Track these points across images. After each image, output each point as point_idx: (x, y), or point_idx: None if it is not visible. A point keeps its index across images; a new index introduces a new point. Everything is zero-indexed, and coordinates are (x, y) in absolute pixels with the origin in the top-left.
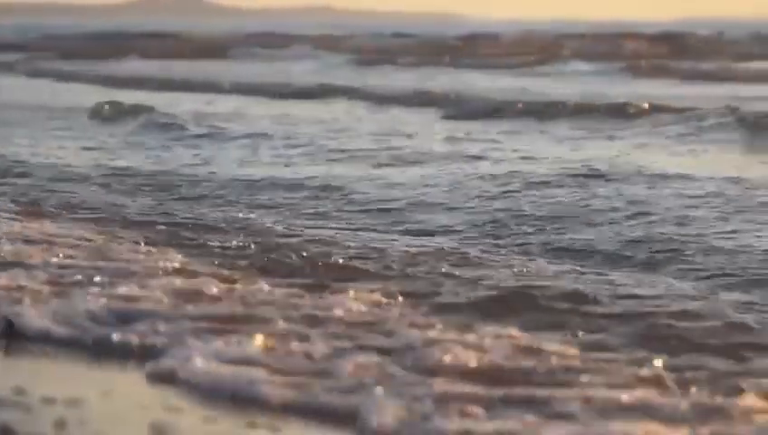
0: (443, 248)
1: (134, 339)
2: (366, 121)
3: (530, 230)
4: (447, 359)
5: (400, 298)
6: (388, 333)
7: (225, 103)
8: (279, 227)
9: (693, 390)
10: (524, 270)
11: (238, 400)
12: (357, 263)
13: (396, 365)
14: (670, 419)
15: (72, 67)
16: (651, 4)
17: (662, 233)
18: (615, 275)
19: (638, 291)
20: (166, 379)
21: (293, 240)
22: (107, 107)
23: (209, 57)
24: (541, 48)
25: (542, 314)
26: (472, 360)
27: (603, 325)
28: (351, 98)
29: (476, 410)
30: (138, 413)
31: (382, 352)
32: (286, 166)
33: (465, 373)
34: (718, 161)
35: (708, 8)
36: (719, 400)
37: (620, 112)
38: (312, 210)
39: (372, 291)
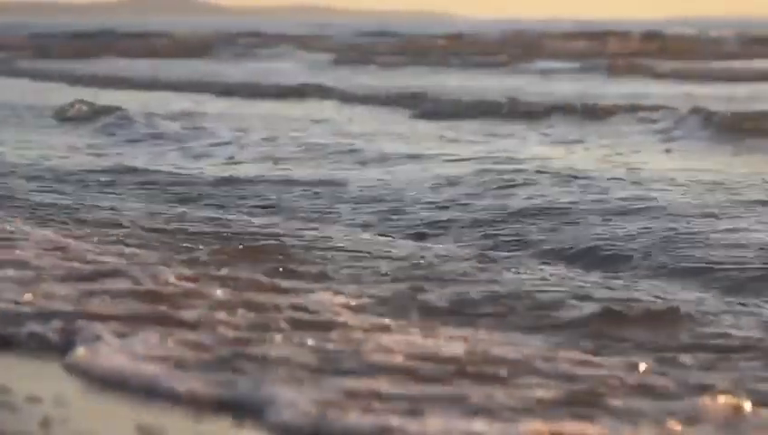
0: (429, 248)
1: (52, 335)
2: (336, 121)
3: (515, 231)
4: (377, 358)
5: (367, 299)
6: (330, 334)
7: (194, 103)
8: (262, 228)
9: (637, 391)
10: (509, 272)
11: (152, 394)
12: (335, 264)
13: (323, 363)
14: (598, 418)
15: (49, 66)
16: (653, 4)
17: (642, 232)
18: (600, 276)
19: (615, 292)
20: (78, 372)
21: (276, 241)
22: (76, 106)
23: (189, 56)
24: (521, 47)
25: (519, 318)
26: (403, 359)
27: (574, 326)
28: (324, 97)
29: (391, 406)
30: (123, 412)
31: (315, 351)
32: (275, 163)
33: (391, 371)
34: (688, 160)
35: (711, 7)
36: (661, 402)
37: (592, 112)
38: (297, 210)
39: (338, 293)
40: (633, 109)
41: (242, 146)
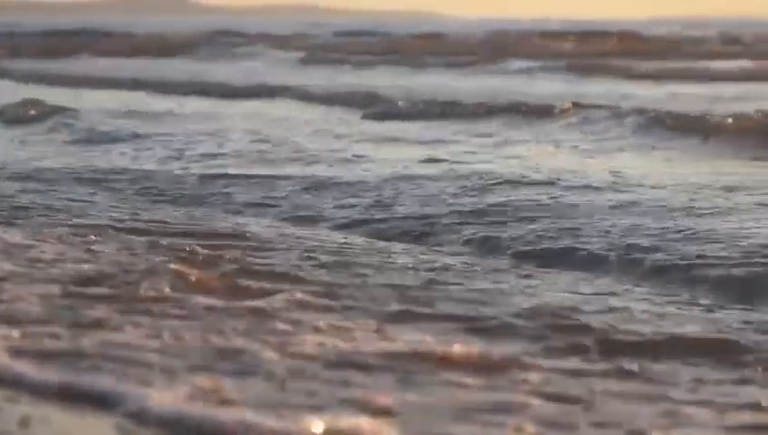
0: (402, 249)
1: None
2: (292, 120)
3: (490, 232)
4: (272, 356)
5: (325, 301)
6: (239, 335)
7: (149, 103)
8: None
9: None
10: (480, 275)
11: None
12: (306, 264)
13: (206, 359)
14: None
15: (14, 66)
16: (651, 4)
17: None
18: (572, 278)
19: (557, 293)
20: None
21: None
22: (25, 106)
23: (164, 56)
24: (498, 47)
25: (471, 322)
26: (295, 359)
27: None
28: (283, 97)
29: (252, 403)
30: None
31: (205, 349)
32: (252, 162)
33: (272, 370)
34: (637, 162)
35: (715, 7)
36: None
37: (545, 112)
38: (267, 208)
39: (296, 294)
40: (569, 109)
41: (160, 147)
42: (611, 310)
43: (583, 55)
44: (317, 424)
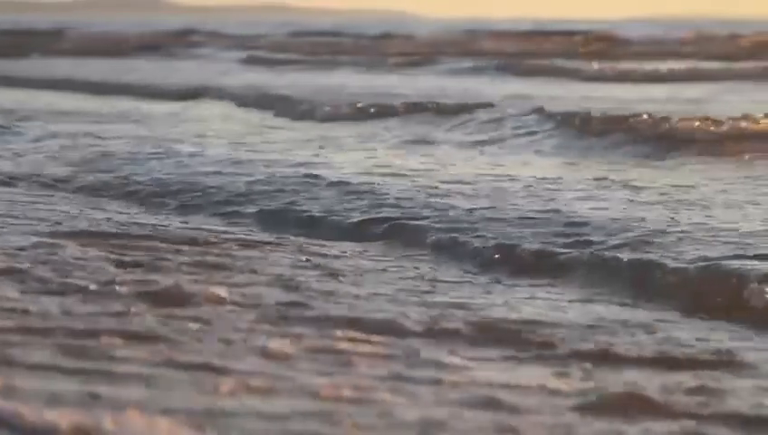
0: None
1: None
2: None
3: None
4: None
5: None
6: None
7: (70, 103)
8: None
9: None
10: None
11: None
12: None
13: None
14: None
15: None
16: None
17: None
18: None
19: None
20: None
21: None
22: None
23: (116, 56)
24: (446, 47)
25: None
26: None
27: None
28: (211, 98)
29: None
30: None
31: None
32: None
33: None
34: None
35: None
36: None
37: (450, 111)
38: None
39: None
40: (485, 107)
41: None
42: None
43: (531, 55)
44: (107, 421)
